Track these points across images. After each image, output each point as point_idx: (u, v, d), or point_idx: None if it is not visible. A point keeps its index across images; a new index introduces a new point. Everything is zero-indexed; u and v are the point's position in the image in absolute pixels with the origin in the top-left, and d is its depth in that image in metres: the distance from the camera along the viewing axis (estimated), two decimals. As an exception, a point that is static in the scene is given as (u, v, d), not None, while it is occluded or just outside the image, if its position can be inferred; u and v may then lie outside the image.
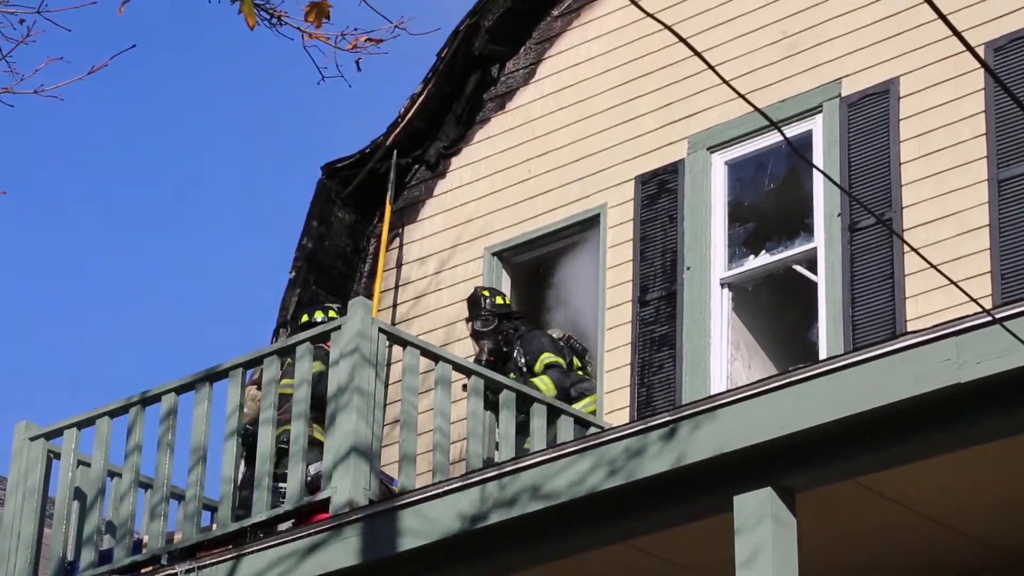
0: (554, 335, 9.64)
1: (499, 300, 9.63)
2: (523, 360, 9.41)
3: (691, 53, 9.54)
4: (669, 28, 3.96)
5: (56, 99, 6.28)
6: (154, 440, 8.58)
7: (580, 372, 9.48)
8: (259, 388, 8.95)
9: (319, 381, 8.51)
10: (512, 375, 9.35)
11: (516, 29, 10.50)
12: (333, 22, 5.77)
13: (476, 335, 9.60)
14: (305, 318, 9.56)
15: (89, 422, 8.81)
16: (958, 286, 4.66)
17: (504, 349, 9.52)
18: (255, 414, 8.77)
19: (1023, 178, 8.50)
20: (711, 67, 3.94)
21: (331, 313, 9.49)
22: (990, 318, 6.02)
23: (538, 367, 9.33)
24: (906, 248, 8.64)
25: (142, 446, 8.63)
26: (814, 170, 9.13)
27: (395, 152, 10.44)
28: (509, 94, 10.52)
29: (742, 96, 4.04)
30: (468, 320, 9.63)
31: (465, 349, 9.86)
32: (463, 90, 10.57)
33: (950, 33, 8.76)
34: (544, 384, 9.23)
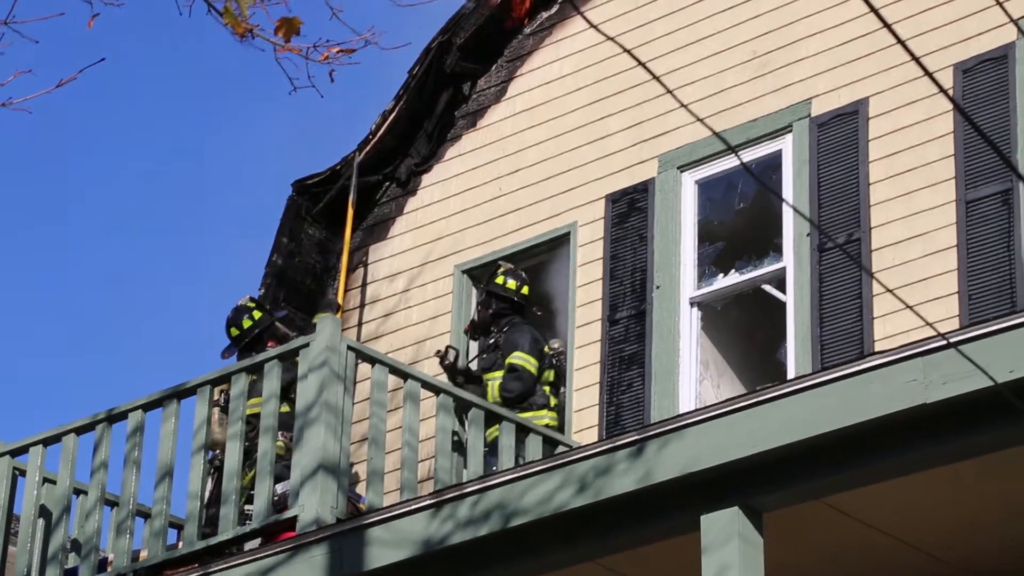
0: (553, 344, 9.59)
1: (507, 282, 9.53)
2: (498, 350, 9.40)
3: (662, 72, 9.59)
4: (630, 52, 3.98)
5: (25, 112, 6.25)
6: (120, 457, 8.54)
7: (547, 388, 9.44)
8: (223, 410, 8.92)
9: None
10: (483, 355, 9.38)
11: (488, 47, 10.51)
12: (304, 36, 5.77)
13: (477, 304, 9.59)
14: (235, 331, 9.51)
15: (55, 439, 8.76)
16: (913, 310, 4.68)
17: (492, 329, 9.50)
18: (223, 441, 8.73)
19: (991, 199, 8.53)
20: (670, 91, 3.95)
21: (255, 314, 9.46)
22: (959, 338, 6.04)
23: (507, 361, 9.32)
24: (874, 268, 8.65)
25: (108, 463, 8.58)
26: (784, 189, 9.15)
27: (356, 166, 10.42)
28: (480, 112, 10.53)
29: (700, 120, 4.05)
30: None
31: (434, 367, 9.85)
32: (434, 107, 10.57)
33: (919, 54, 8.81)
34: (491, 386, 9.25)
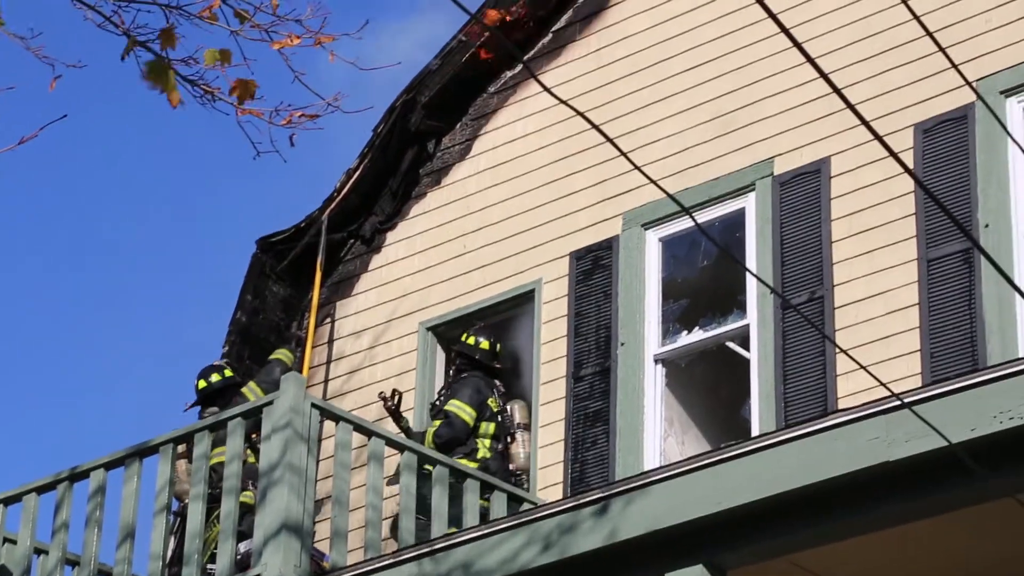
0: (515, 408, 9.60)
1: (469, 339, 9.64)
2: (442, 398, 9.48)
3: (625, 131, 9.64)
4: (583, 116, 4.01)
5: (-14, 169, 6.25)
6: (82, 517, 8.48)
7: (486, 441, 9.40)
8: (190, 460, 8.88)
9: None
10: (433, 403, 9.42)
11: (452, 105, 10.56)
12: (267, 99, 5.80)
13: None
14: (202, 383, 9.54)
15: (15, 499, 8.70)
16: (868, 371, 4.73)
17: (445, 391, 9.61)
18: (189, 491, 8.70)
19: (952, 258, 8.60)
20: (625, 154, 3.98)
21: (226, 372, 9.50)
22: (913, 398, 6.07)
23: (444, 408, 9.38)
24: (837, 326, 8.70)
25: (70, 523, 8.52)
26: (747, 247, 9.20)
27: (324, 222, 10.45)
28: (445, 169, 10.56)
29: (656, 184, 4.09)
30: None
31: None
32: (399, 165, 10.60)
33: (880, 114, 8.90)
34: (428, 433, 9.26)
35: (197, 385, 9.55)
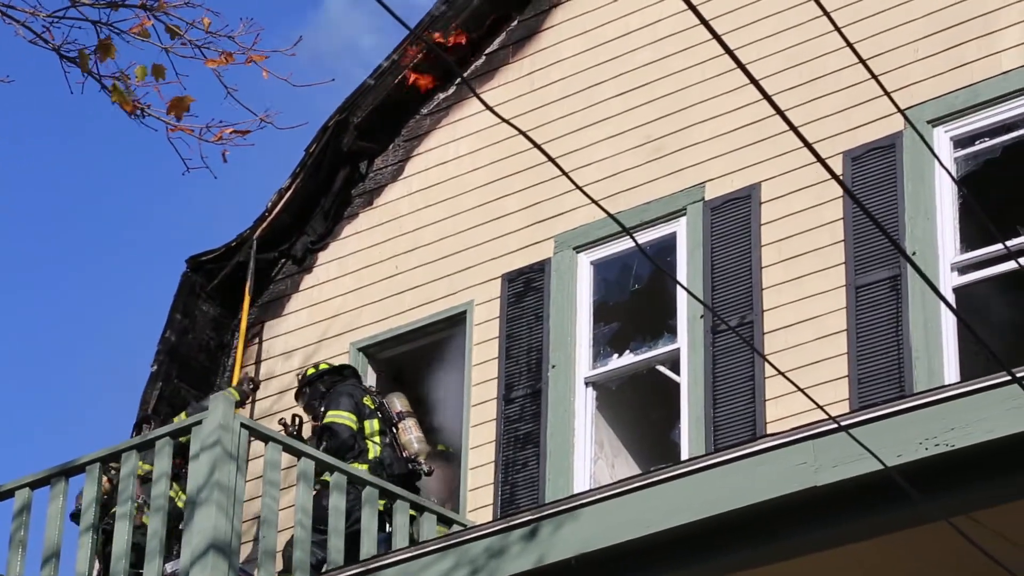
0: (393, 398, 9.60)
1: (309, 371, 9.67)
2: (323, 413, 9.44)
3: (558, 154, 9.68)
4: (526, 135, 4.02)
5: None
6: (6, 537, 8.39)
7: (376, 438, 9.36)
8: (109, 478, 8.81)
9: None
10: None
11: (385, 126, 10.56)
12: (198, 115, 5.78)
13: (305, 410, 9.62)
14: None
15: (-61, 516, 8.60)
16: (805, 393, 4.74)
17: (321, 410, 9.54)
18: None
19: (880, 284, 8.68)
20: (566, 173, 4.00)
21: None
22: (848, 422, 6.12)
23: (324, 423, 9.36)
24: (766, 350, 8.76)
25: (-7, 542, 8.43)
26: (678, 271, 9.25)
27: (255, 242, 10.42)
28: (377, 190, 10.55)
29: (596, 203, 4.10)
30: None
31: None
32: (331, 185, 10.58)
33: (809, 141, 8.97)
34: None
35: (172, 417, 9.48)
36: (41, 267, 23.03)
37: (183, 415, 9.57)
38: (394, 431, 9.50)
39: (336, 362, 9.87)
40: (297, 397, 9.79)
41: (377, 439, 9.35)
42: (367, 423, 9.38)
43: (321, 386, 9.56)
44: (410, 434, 9.51)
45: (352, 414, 9.35)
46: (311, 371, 9.69)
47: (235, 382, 10.26)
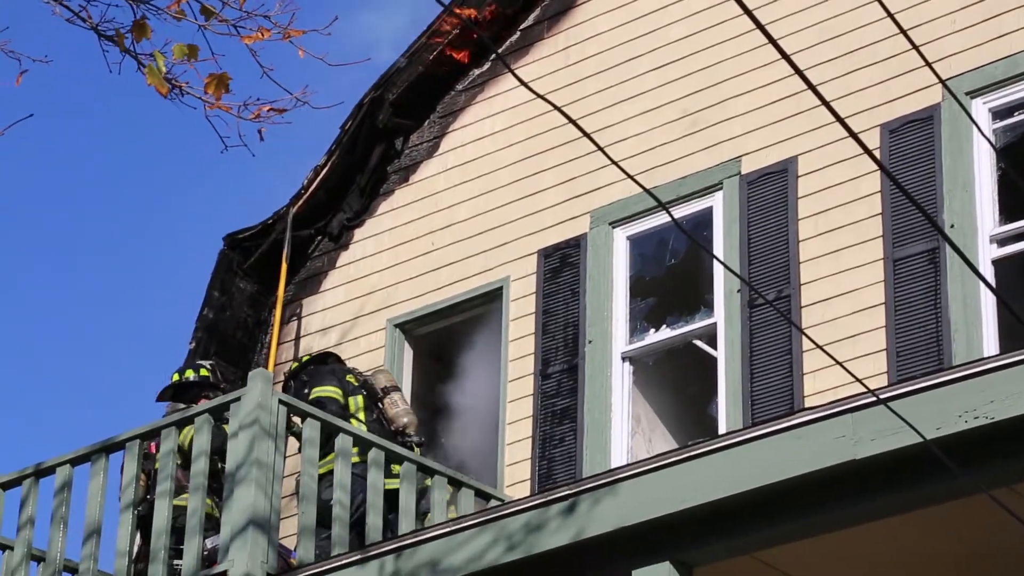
0: (377, 375, 9.51)
1: (293, 366, 9.53)
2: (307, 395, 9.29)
3: (593, 129, 9.66)
4: (561, 111, 4.01)
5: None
6: (47, 514, 8.45)
7: (361, 414, 9.30)
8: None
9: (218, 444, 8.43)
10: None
11: (420, 103, 10.56)
12: (235, 93, 5.79)
13: None
14: (176, 376, 9.45)
15: (-19, 494, 8.66)
16: (843, 367, 4.73)
17: (305, 392, 9.31)
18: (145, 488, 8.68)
19: (918, 257, 8.64)
20: (601, 149, 3.99)
21: (202, 372, 9.41)
22: (888, 395, 6.11)
23: (313, 397, 9.23)
24: (804, 324, 8.74)
25: (35, 519, 8.49)
26: (714, 246, 9.23)
27: (291, 213, 10.43)
28: (413, 167, 10.56)
29: (632, 178, 4.10)
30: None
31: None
32: (367, 162, 10.59)
33: (847, 114, 8.95)
34: None
35: (172, 376, 9.48)
36: (79, 246, 23.16)
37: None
38: (380, 406, 9.42)
39: (322, 351, 9.78)
40: (284, 392, 9.66)
41: (363, 415, 9.25)
42: (351, 399, 9.30)
43: (304, 375, 9.47)
44: (396, 407, 9.39)
45: (338, 388, 9.27)
46: (294, 365, 9.61)
47: (272, 358, 10.27)
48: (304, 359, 9.64)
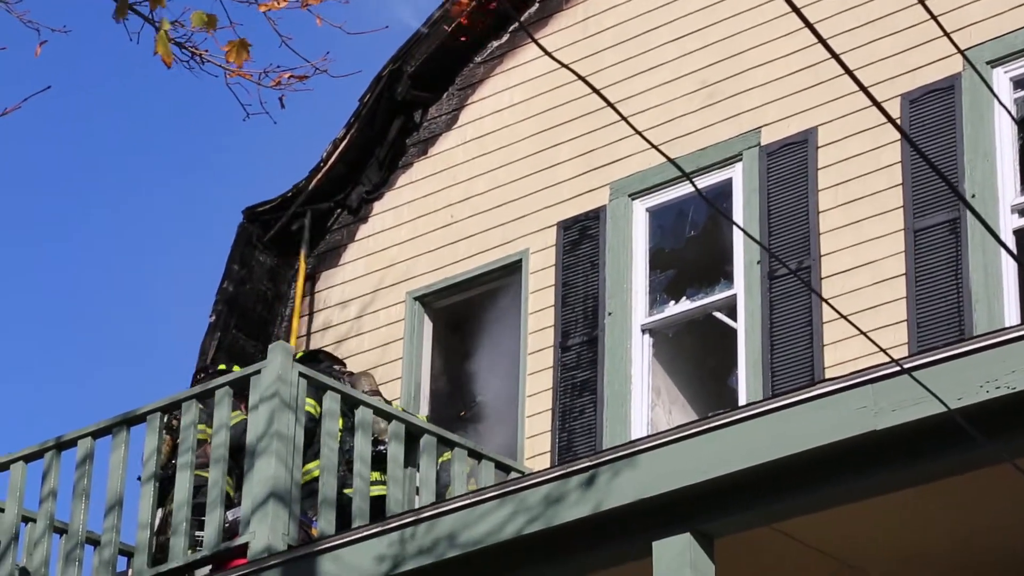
0: (360, 380, 9.42)
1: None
2: None
3: (612, 100, 9.63)
4: (585, 80, 3.99)
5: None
6: (69, 487, 8.48)
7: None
8: (168, 431, 8.85)
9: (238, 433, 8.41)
10: None
11: (439, 75, 10.54)
12: (255, 61, 5.77)
13: None
14: (237, 368, 9.39)
15: (3, 467, 8.70)
16: (868, 336, 4.72)
17: None
18: (166, 458, 8.69)
19: (939, 228, 8.62)
20: (624, 118, 3.98)
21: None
22: (911, 364, 6.09)
23: None
24: (824, 295, 8.71)
25: (57, 491, 8.52)
26: (734, 217, 9.21)
27: (308, 213, 10.42)
28: (431, 139, 10.55)
29: (656, 148, 4.08)
30: None
31: (386, 393, 9.83)
32: (386, 135, 10.59)
33: (867, 84, 8.90)
34: None
35: (218, 363, 9.38)
36: (97, 218, 23.20)
37: None
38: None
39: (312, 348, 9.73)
40: None
41: (340, 422, 9.16)
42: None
43: None
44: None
45: (312, 401, 9.16)
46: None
47: (294, 331, 10.25)
48: (298, 355, 9.52)
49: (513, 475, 8.80)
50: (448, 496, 8.52)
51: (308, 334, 10.56)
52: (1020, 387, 6.05)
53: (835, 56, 3.99)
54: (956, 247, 8.52)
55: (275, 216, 10.68)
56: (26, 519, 8.81)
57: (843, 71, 8.67)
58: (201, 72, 5.61)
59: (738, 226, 4.23)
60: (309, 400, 8.62)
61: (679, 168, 4.23)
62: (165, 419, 8.45)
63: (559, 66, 9.90)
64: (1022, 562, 6.96)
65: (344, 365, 9.71)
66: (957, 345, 6.24)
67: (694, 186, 4.17)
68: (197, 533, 8.41)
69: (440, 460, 8.77)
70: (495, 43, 10.47)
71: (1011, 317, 8.28)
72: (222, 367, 9.56)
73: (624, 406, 9.23)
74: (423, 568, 7.12)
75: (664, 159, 9.37)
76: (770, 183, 9.19)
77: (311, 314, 10.61)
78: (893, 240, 8.70)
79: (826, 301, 4.60)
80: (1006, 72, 8.69)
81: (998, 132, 8.62)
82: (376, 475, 8.65)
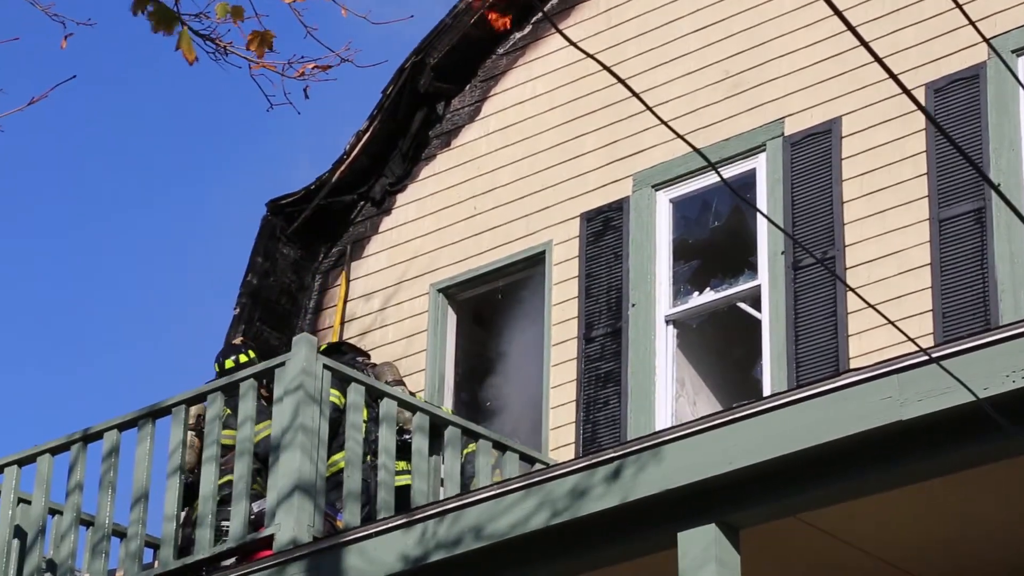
0: (384, 369, 9.40)
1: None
2: None
3: (635, 91, 9.61)
4: (609, 70, 3.99)
5: (-3, 130, 6.24)
6: (96, 478, 8.51)
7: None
8: (196, 434, 8.87)
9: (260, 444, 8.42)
10: None
11: (461, 66, 10.54)
12: (279, 52, 5.77)
13: None
14: (217, 368, 9.37)
15: (29, 459, 8.73)
16: (895, 325, 4.69)
17: None
18: (194, 461, 8.71)
19: (964, 217, 8.59)
20: (650, 109, 3.97)
21: (242, 358, 9.31)
22: (938, 354, 6.07)
23: None
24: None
25: (83, 484, 8.55)
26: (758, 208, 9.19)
27: (349, 251, 10.44)
28: (455, 131, 10.55)
29: (682, 138, 4.07)
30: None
31: (411, 385, 9.84)
32: (409, 127, 10.59)
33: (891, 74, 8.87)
34: None
35: (224, 364, 9.39)
36: (122, 209, 23.26)
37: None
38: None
39: (341, 340, 9.71)
40: None
41: (364, 413, 9.18)
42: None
43: None
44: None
45: (336, 390, 9.17)
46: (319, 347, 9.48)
47: (338, 319, 10.21)
48: (321, 346, 9.52)
49: (538, 467, 8.80)
50: (473, 488, 8.52)
51: (332, 327, 10.58)
52: (1047, 377, 6.03)
53: (864, 43, 3.97)
54: (981, 236, 8.49)
55: (299, 208, 10.69)
56: (53, 511, 8.84)
57: (868, 60, 8.63)
58: (225, 63, 5.61)
59: (763, 214, 4.22)
60: (333, 391, 8.62)
61: (704, 156, 4.22)
62: (192, 420, 8.46)
63: (582, 57, 9.91)
64: (1049, 552, 6.95)
65: (368, 356, 9.73)
66: (984, 335, 6.22)
67: (719, 175, 4.16)
68: (223, 523, 8.42)
69: (465, 452, 8.79)
70: (518, 34, 10.46)
71: (1037, 307, 8.25)
72: (237, 341, 9.53)
73: (648, 398, 9.22)
74: (448, 560, 7.13)
75: (688, 149, 9.39)
76: (794, 173, 9.16)
77: (333, 307, 10.63)
78: (918, 230, 8.68)
79: (852, 289, 4.58)
80: (1032, 60, 8.66)
81: (1024, 121, 8.59)
82: (402, 464, 8.66)
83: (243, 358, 9.36)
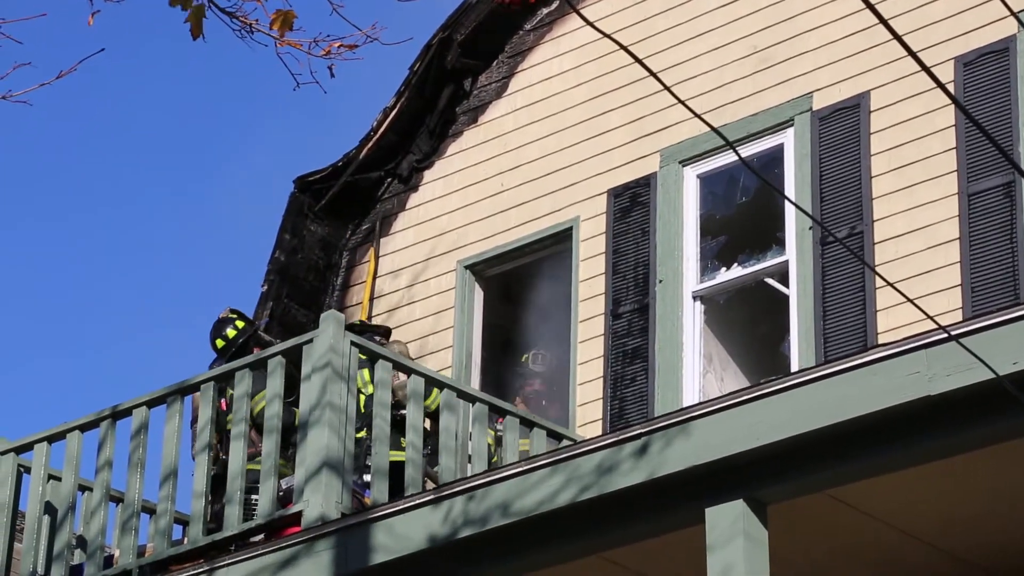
0: (393, 348, 9.42)
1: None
2: None
3: (662, 67, 9.59)
4: (627, 50, 3.98)
5: (25, 104, 6.26)
6: (125, 454, 8.55)
7: (363, 390, 9.20)
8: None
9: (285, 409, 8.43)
10: None
11: (488, 43, 10.52)
12: (306, 30, 5.77)
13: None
14: (220, 342, 9.34)
15: (59, 436, 8.77)
16: (916, 304, 4.69)
17: None
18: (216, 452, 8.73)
19: (992, 192, 8.54)
20: (668, 89, 3.96)
21: (238, 323, 9.28)
22: (959, 331, 6.05)
23: None
24: (877, 261, 8.67)
25: (113, 461, 8.59)
26: (786, 183, 9.16)
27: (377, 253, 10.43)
28: (481, 108, 10.54)
29: (700, 118, 4.06)
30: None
31: (438, 362, 9.86)
32: (436, 104, 10.58)
33: (920, 47, 8.83)
34: None
35: (215, 344, 9.38)
36: (150, 188, 23.33)
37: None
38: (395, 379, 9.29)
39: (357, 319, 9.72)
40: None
41: (370, 389, 9.19)
42: (359, 374, 9.21)
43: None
44: (398, 379, 9.32)
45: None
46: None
47: (366, 298, 10.21)
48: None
49: (565, 443, 8.81)
50: (500, 464, 8.53)
51: (360, 304, 10.60)
52: (1076, 352, 6.00)
53: (885, 23, 3.95)
54: (1010, 211, 8.45)
55: (326, 185, 10.71)
56: (83, 488, 8.89)
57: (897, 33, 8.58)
58: (252, 42, 5.61)
59: (787, 198, 4.21)
60: None
61: (724, 139, 4.21)
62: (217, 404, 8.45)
63: (609, 32, 9.87)
64: (1078, 528, 6.92)
65: (384, 336, 9.71)
66: (1010, 310, 6.19)
67: (739, 156, 4.15)
68: (252, 497, 8.44)
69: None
70: (544, 10, 10.43)
71: (1067, 281, 8.21)
72: (223, 315, 9.44)
73: (676, 374, 9.22)
74: (475, 537, 7.14)
75: (715, 125, 9.35)
76: (822, 148, 9.13)
77: (363, 282, 10.64)
78: (947, 204, 8.64)
79: (874, 270, 4.57)
80: (1061, 33, 8.60)
81: (1053, 94, 8.54)
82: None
83: (231, 332, 9.35)
